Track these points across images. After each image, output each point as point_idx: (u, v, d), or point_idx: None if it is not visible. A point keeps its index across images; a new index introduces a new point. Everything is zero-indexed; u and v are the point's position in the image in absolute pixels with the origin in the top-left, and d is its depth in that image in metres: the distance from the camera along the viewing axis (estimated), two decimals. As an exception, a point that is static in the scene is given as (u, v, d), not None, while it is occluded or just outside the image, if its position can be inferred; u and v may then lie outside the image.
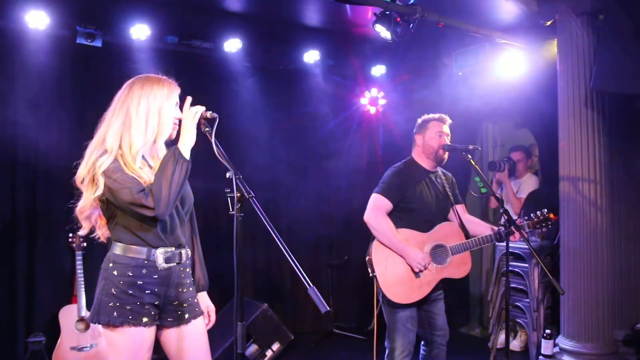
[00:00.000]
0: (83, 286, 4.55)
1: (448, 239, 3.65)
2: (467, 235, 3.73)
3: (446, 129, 3.74)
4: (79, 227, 4.62)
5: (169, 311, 2.49)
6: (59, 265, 4.84)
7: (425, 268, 3.52)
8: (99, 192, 2.33)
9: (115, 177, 2.29)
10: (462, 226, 3.78)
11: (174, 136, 2.47)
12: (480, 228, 3.74)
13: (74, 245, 4.61)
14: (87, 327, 4.54)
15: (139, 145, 2.38)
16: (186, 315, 2.52)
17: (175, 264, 2.47)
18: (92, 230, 2.53)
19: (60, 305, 4.57)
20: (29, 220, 4.76)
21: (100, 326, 2.39)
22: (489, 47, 5.29)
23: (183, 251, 2.52)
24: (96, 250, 4.95)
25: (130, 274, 2.38)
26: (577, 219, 4.30)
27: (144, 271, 2.40)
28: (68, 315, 4.52)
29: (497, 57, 5.29)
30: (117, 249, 2.43)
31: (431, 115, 3.79)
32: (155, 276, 2.42)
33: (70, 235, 4.63)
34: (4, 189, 4.69)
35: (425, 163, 3.76)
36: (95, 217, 2.48)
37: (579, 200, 4.30)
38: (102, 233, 2.53)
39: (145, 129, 2.39)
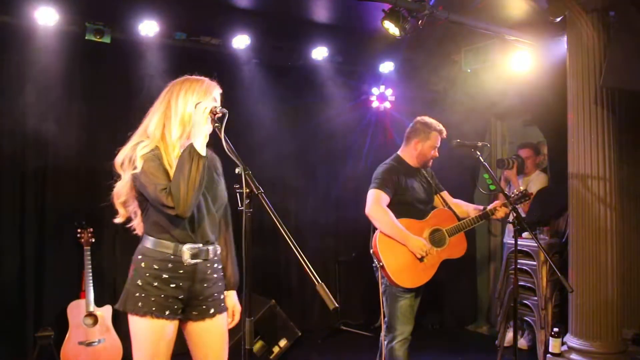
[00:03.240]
0: (91, 281, 4.58)
1: (443, 223, 3.94)
2: (458, 218, 4.02)
3: (439, 142, 4.01)
4: (87, 223, 4.69)
5: (194, 305, 2.56)
6: (68, 260, 4.86)
7: (427, 254, 3.75)
8: (137, 170, 2.40)
9: (146, 168, 2.39)
10: (451, 210, 4.09)
11: (210, 130, 2.51)
12: (468, 208, 4.13)
13: (83, 240, 4.63)
14: (95, 322, 4.57)
15: (177, 135, 2.49)
16: (211, 310, 2.59)
17: (201, 260, 2.53)
18: (127, 220, 2.61)
19: (69, 300, 4.60)
20: (38, 215, 4.78)
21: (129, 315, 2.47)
22: (498, 44, 5.28)
23: (210, 248, 2.57)
24: (104, 246, 4.99)
25: (156, 267, 2.46)
26: (586, 216, 4.28)
27: (170, 265, 2.47)
28: (76, 310, 4.55)
29: (506, 54, 5.27)
30: (147, 242, 2.51)
31: (434, 125, 3.99)
32: (181, 271, 2.49)
33: (79, 230, 4.65)
34: (14, 184, 4.71)
35: (411, 162, 4.04)
36: (132, 208, 2.57)
37: (588, 198, 4.27)
38: (138, 226, 2.61)
39: (182, 120, 2.49)
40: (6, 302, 4.63)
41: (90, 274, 4.58)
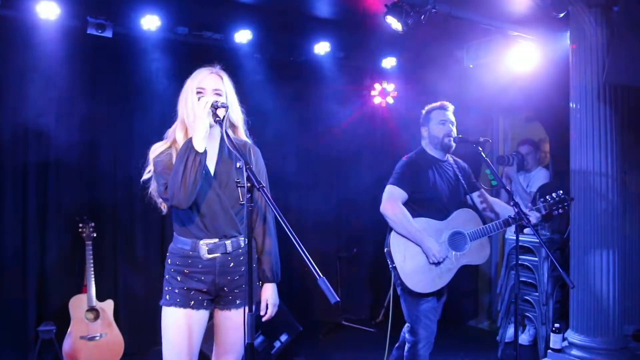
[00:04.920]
0: (93, 276, 4.58)
1: (465, 226, 3.67)
2: (484, 222, 3.75)
3: (450, 115, 3.77)
4: (89, 218, 4.69)
5: (221, 296, 2.67)
6: (69, 255, 4.86)
7: (441, 261, 3.53)
8: (150, 174, 2.63)
9: (157, 170, 2.56)
10: (479, 213, 3.81)
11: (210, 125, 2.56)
12: (503, 209, 3.82)
13: (84, 235, 4.63)
14: (97, 317, 4.57)
15: (181, 135, 2.61)
16: (237, 301, 2.67)
17: (219, 254, 2.60)
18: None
19: (71, 294, 4.60)
20: (39, 210, 4.78)
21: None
22: (501, 40, 5.26)
23: (228, 242, 2.62)
24: (106, 241, 5.00)
25: (178, 263, 2.61)
26: (588, 212, 4.28)
27: (189, 261, 2.60)
28: (78, 305, 4.55)
29: (508, 49, 5.26)
30: (174, 240, 2.68)
31: (433, 105, 3.83)
32: (200, 266, 2.59)
33: (81, 225, 4.65)
34: (16, 178, 4.70)
35: (434, 152, 3.79)
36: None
37: (589, 194, 4.27)
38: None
39: (181, 120, 2.63)
40: (8, 296, 4.63)
41: (92, 269, 4.59)
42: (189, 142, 2.42)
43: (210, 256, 2.58)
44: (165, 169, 2.52)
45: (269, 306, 2.79)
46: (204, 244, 2.57)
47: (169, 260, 2.64)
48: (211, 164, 2.62)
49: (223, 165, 2.64)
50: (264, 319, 2.77)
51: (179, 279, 2.58)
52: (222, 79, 2.67)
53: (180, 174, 2.38)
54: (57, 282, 4.82)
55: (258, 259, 2.78)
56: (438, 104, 3.81)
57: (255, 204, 2.71)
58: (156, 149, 2.62)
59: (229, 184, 2.60)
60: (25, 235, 4.72)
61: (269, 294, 2.80)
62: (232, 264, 2.64)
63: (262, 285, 2.79)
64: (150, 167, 2.63)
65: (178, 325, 2.55)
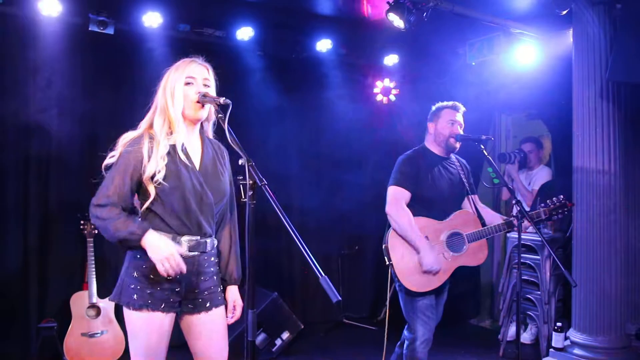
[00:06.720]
0: (94, 273, 4.58)
1: (464, 227, 3.63)
2: (484, 224, 3.71)
3: (459, 117, 3.73)
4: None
5: (189, 298, 2.51)
6: (71, 252, 4.86)
7: (435, 274, 3.51)
8: (113, 159, 2.43)
9: (115, 165, 2.41)
10: (479, 214, 3.76)
11: (196, 115, 2.49)
12: (492, 217, 3.75)
13: (86, 232, 4.63)
14: (98, 314, 4.57)
15: (159, 124, 2.48)
16: (207, 304, 2.54)
17: (199, 252, 2.49)
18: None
19: (72, 291, 4.60)
20: (41, 207, 4.78)
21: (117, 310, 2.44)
22: (503, 37, 5.25)
23: (208, 240, 2.52)
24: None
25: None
26: (591, 211, 4.27)
27: None
28: (79, 302, 4.55)
29: (511, 47, 5.25)
30: None
31: (445, 103, 3.77)
32: None
33: (82, 222, 4.65)
34: (17, 175, 4.70)
35: (437, 150, 3.75)
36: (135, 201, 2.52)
37: (592, 192, 4.26)
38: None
39: (162, 109, 2.49)
40: (10, 293, 4.64)
41: (93, 266, 4.58)
42: (136, 235, 2.32)
43: (191, 254, 2.45)
44: (117, 177, 2.38)
45: (237, 307, 2.72)
46: (185, 241, 2.44)
47: (138, 255, 2.41)
48: (196, 158, 2.52)
49: (208, 161, 2.55)
50: (231, 322, 2.68)
51: (151, 277, 2.39)
52: (208, 70, 2.60)
53: (109, 233, 2.35)
54: (58, 279, 4.83)
55: (225, 261, 2.70)
56: (450, 103, 3.76)
57: (223, 202, 2.61)
58: (126, 137, 2.46)
59: (214, 180, 2.53)
60: (26, 232, 4.72)
61: (236, 296, 2.73)
62: (206, 264, 2.53)
63: (225, 287, 2.69)
64: (115, 153, 2.43)
65: (150, 329, 2.40)
